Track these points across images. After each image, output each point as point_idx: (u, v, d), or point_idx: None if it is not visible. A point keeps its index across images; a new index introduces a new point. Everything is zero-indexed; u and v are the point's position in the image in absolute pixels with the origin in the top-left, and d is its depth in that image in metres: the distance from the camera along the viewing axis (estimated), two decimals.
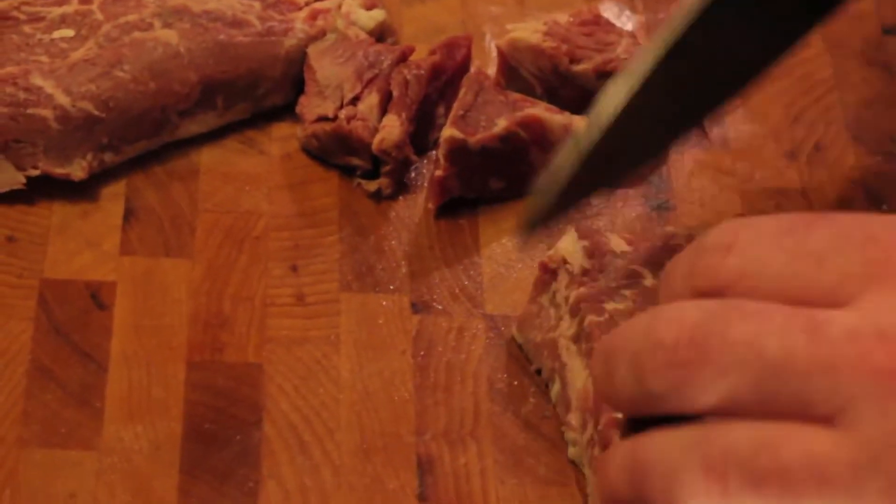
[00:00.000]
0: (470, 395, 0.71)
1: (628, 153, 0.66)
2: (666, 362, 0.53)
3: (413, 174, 0.79)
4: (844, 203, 0.80)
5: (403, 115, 0.77)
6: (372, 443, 0.69)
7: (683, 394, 0.53)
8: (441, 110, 0.80)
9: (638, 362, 0.54)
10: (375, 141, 0.77)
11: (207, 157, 0.79)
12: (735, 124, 0.84)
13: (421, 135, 0.79)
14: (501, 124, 0.77)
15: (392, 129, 0.77)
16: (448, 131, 0.76)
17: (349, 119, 0.77)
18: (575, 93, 0.81)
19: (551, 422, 0.70)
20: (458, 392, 0.71)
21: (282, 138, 0.80)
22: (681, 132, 0.68)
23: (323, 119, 0.78)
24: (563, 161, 0.63)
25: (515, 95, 0.79)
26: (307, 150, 0.80)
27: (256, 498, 0.66)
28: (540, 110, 0.78)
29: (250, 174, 0.79)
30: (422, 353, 0.72)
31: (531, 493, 0.68)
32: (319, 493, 0.67)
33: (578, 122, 0.78)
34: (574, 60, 0.80)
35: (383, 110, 0.78)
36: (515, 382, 0.71)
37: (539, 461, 0.69)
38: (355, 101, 0.78)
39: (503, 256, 0.76)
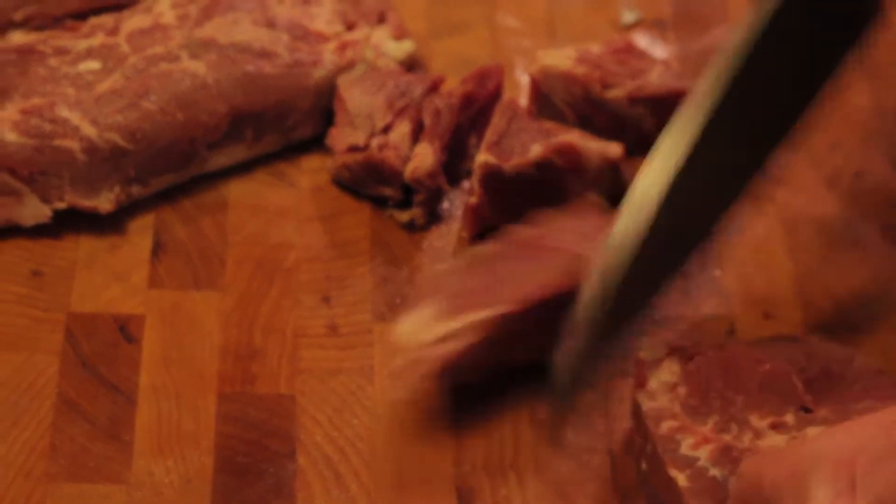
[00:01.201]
0: (509, 426, 0.69)
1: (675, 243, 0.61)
2: None
3: (446, 204, 0.78)
4: (888, 230, 0.79)
5: (436, 143, 0.76)
6: (410, 475, 0.67)
7: None
8: (473, 140, 0.79)
9: None
10: (408, 169, 0.75)
11: (236, 190, 0.78)
12: None
13: (453, 164, 0.78)
14: (536, 151, 0.75)
15: (424, 157, 0.75)
16: (482, 157, 0.75)
17: (381, 148, 0.76)
18: (608, 120, 0.79)
19: (594, 452, 0.68)
20: (497, 424, 0.69)
21: (312, 171, 0.79)
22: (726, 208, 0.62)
23: (354, 149, 0.77)
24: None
25: (549, 123, 0.78)
26: (338, 182, 0.78)
27: None
28: (574, 137, 0.77)
29: (280, 207, 0.77)
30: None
31: None
32: None
33: (614, 148, 0.77)
34: (606, 86, 0.79)
35: (415, 139, 0.77)
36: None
37: (582, 492, 0.67)
38: (386, 130, 0.77)
39: None
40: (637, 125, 0.80)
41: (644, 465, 0.66)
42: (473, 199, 0.75)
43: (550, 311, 0.67)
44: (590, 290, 0.60)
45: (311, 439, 0.68)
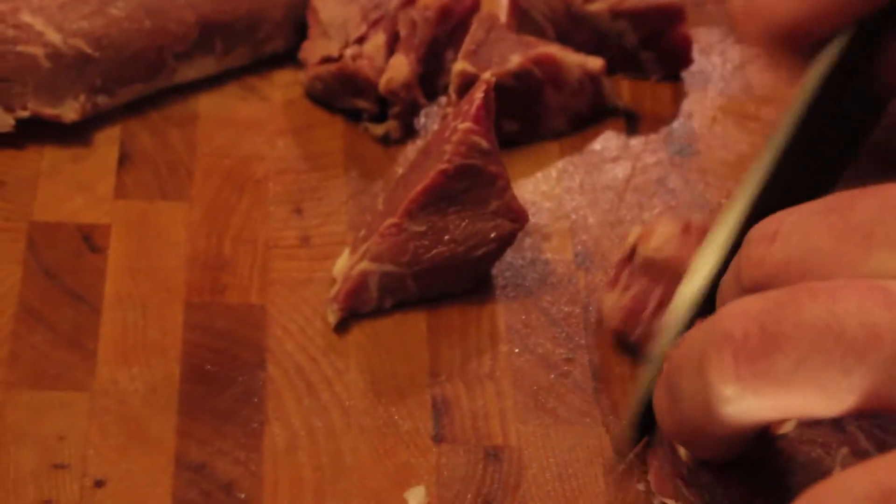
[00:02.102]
0: (486, 335, 0.67)
1: None
2: (736, 356, 0.49)
3: (423, 119, 0.75)
4: (872, 148, 0.77)
5: (411, 55, 0.74)
6: (383, 384, 0.65)
7: (760, 389, 0.49)
8: (450, 55, 0.77)
9: (704, 366, 0.50)
10: (383, 80, 0.73)
11: (206, 103, 0.75)
12: (758, 72, 0.80)
13: (430, 79, 0.76)
14: (515, 60, 0.73)
15: (400, 67, 0.73)
16: (459, 65, 0.72)
17: (354, 58, 0.74)
18: (588, 36, 0.77)
19: (573, 362, 0.66)
20: (474, 333, 0.67)
21: (284, 85, 0.77)
22: None
23: (327, 60, 0.74)
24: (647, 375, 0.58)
25: (528, 37, 0.76)
26: (311, 96, 0.76)
27: (261, 439, 0.62)
28: (554, 49, 0.74)
29: (251, 120, 0.75)
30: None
31: (554, 433, 0.63)
32: (328, 434, 0.62)
33: (594, 61, 0.75)
34: (587, 0, 0.77)
35: (390, 51, 0.74)
36: (534, 323, 0.67)
37: (561, 402, 0.64)
38: (361, 41, 0.74)
39: None
40: (618, 41, 0.77)
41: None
42: (450, 109, 0.72)
43: (434, 212, 0.65)
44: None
45: (282, 349, 0.65)
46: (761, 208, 0.57)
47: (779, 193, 0.60)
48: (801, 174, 0.62)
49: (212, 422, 0.62)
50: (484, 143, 0.66)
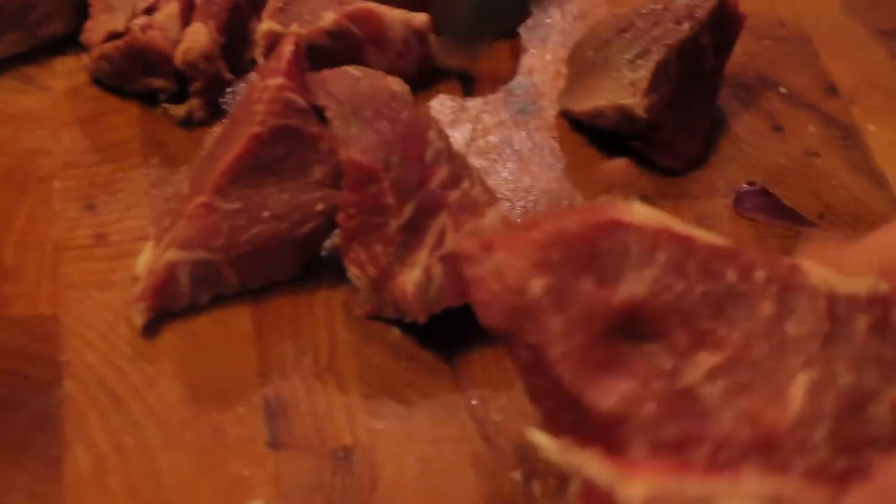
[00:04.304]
0: (322, 325, 0.58)
1: None
2: None
3: (230, 98, 0.66)
4: (739, 88, 0.70)
5: (211, 23, 0.65)
6: (205, 390, 0.55)
7: None
8: (255, 25, 0.67)
9: None
10: (179, 52, 0.64)
11: None
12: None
13: (234, 52, 0.66)
14: (329, 18, 0.65)
15: (198, 36, 0.64)
16: (266, 25, 0.64)
17: (144, 30, 0.64)
18: None
19: (425, 349, 0.57)
20: (308, 323, 0.58)
21: (67, 73, 0.67)
22: None
23: (113, 36, 0.65)
24: None
25: None
26: (98, 82, 0.66)
27: (61, 466, 0.52)
28: (373, 4, 0.66)
29: (31, 112, 0.65)
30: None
31: (412, 426, 0.54)
32: (142, 452, 0.52)
33: (419, 17, 0.67)
34: None
35: (186, 20, 0.65)
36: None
37: (416, 390, 0.56)
38: (150, 11, 0.65)
39: None
40: None
41: None
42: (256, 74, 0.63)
43: (248, 186, 0.57)
44: None
45: (82, 361, 0.55)
46: None
47: None
48: None
49: (1, 453, 0.52)
50: (300, 101, 0.57)
